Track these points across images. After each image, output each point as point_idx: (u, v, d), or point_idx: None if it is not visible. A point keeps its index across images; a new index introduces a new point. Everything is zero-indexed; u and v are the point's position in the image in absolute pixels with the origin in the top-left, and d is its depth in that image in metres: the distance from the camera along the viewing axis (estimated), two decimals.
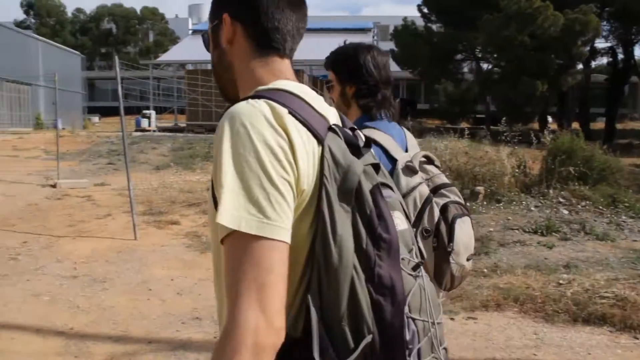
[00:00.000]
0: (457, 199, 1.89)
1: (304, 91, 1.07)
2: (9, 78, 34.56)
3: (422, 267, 1.07)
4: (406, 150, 1.97)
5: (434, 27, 26.59)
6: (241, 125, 0.93)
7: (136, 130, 25.68)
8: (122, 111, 7.21)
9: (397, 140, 1.95)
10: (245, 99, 0.99)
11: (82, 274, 5.45)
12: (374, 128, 1.89)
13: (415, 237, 1.20)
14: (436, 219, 1.80)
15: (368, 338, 0.91)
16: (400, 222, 1.06)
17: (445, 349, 1.09)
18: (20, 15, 73.59)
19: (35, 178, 11.57)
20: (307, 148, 0.97)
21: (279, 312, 0.87)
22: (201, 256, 6.16)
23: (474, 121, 32.27)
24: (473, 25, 20.95)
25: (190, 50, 29.88)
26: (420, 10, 26.43)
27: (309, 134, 0.98)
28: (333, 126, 1.03)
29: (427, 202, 1.81)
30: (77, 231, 7.19)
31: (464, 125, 26.62)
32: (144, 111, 26.83)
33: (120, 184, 11.51)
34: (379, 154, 1.78)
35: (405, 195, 1.77)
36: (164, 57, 30.08)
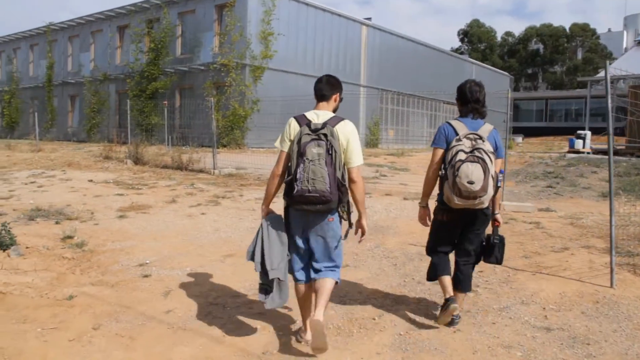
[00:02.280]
0: (479, 155, 3.94)
1: (311, 112, 3.90)
2: (446, 100, 36.95)
3: (320, 163, 3.61)
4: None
5: None
6: None
7: (569, 152, 23.88)
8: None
9: (468, 126, 4.19)
10: None
11: (557, 326, 4.35)
12: (458, 120, 4.29)
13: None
14: (456, 161, 3.95)
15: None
16: (319, 149, 3.62)
17: (315, 187, 3.59)
18: (456, 44, 79.02)
19: None
20: (294, 128, 3.81)
21: (278, 166, 3.84)
22: None
23: None
24: None
25: (636, 63, 26.38)
26: None
27: (297, 124, 3.81)
28: (307, 122, 3.77)
29: (456, 154, 3.98)
30: (535, 265, 6.18)
31: None
32: (579, 132, 24.72)
33: (568, 210, 10.19)
34: (451, 130, 4.20)
35: (452, 148, 4.04)
36: (604, 74, 27.14)
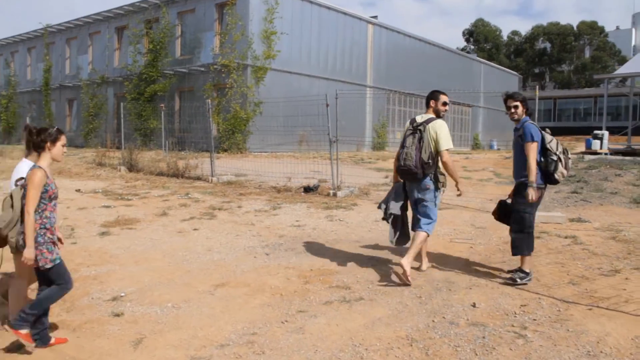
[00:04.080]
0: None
1: (419, 115, 5.74)
2: (454, 100, 35.82)
3: (412, 148, 5.55)
4: None
5: None
6: None
7: (585, 153, 22.78)
8: None
9: None
10: None
11: None
12: (532, 122, 5.52)
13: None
14: (563, 147, 5.55)
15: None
16: (413, 139, 5.52)
17: (405, 163, 5.56)
18: (461, 44, 77.89)
19: None
20: (407, 125, 5.76)
21: (398, 151, 5.74)
22: None
23: None
24: None
25: None
26: None
27: (409, 123, 5.73)
28: (413, 121, 5.69)
29: (558, 143, 5.54)
30: (587, 296, 5.09)
31: None
32: (595, 132, 23.61)
33: (602, 220, 9.12)
34: (537, 129, 5.45)
35: (552, 140, 5.49)
36: (621, 71, 26.14)
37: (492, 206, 10.59)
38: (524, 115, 5.60)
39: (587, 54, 74.60)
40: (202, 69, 25.26)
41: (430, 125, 5.54)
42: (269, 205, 10.11)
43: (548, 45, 74.77)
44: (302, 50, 26.22)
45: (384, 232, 7.94)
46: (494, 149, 39.20)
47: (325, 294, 5.16)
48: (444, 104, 5.77)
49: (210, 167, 13.80)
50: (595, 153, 22.43)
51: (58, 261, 4.00)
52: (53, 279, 4.00)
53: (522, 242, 5.58)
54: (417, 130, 5.56)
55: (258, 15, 23.83)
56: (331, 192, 10.91)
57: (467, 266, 6.23)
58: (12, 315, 4.24)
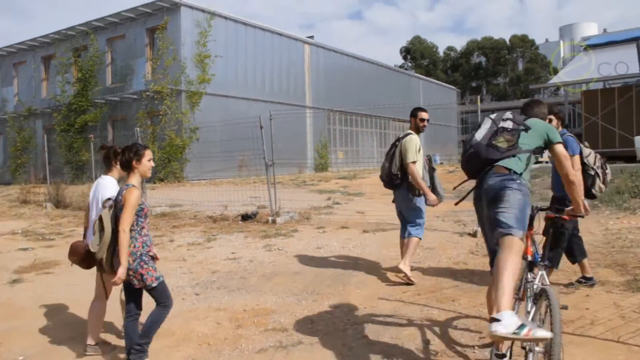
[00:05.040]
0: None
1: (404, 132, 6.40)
2: (394, 117, 35.95)
3: (387, 160, 6.26)
4: None
5: None
6: None
7: None
8: None
9: None
10: None
11: None
12: (570, 135, 5.44)
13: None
14: (602, 162, 5.53)
15: None
16: (390, 152, 6.28)
17: (382, 174, 6.48)
18: (399, 61, 79.06)
19: (446, 224, 9.73)
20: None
21: None
22: None
23: None
24: None
25: (582, 69, 25.82)
26: None
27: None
28: (397, 138, 6.37)
29: (596, 156, 5.54)
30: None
31: None
32: None
33: None
34: (576, 143, 5.39)
35: (590, 154, 5.50)
36: (554, 80, 26.69)
37: (441, 224, 10.27)
38: (560, 128, 5.51)
39: (520, 66, 77.12)
40: (135, 96, 24.26)
41: (403, 140, 6.09)
42: (204, 237, 9.38)
43: (483, 59, 76.93)
44: (238, 73, 25.62)
45: (325, 261, 7.36)
46: (437, 163, 39.46)
47: (259, 339, 4.52)
48: (422, 120, 6.28)
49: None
50: (537, 162, 22.64)
51: (162, 279, 4.02)
52: (157, 298, 4.01)
53: (557, 257, 5.51)
54: (394, 145, 6.16)
55: (190, 39, 23.12)
56: (270, 218, 10.27)
57: (416, 294, 5.70)
58: (91, 338, 4.46)
